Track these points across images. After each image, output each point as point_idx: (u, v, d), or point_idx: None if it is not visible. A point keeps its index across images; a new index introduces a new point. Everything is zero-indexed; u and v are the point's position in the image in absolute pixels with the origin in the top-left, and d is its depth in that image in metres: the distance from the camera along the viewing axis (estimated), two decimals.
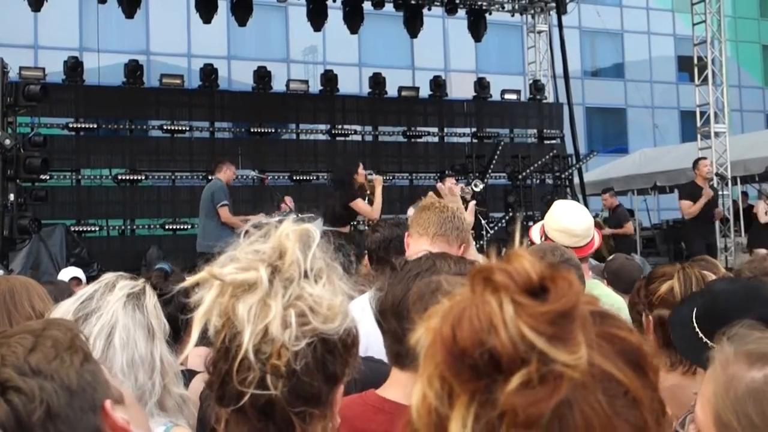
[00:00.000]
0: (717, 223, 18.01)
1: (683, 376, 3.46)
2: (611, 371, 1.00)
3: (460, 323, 0.99)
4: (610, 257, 8.51)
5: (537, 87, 23.25)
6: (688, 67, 25.54)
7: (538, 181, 21.50)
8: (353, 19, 21.80)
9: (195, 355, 4.21)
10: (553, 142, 22.74)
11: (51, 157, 15.19)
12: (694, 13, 21.15)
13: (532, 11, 24.32)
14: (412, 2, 22.26)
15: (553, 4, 23.10)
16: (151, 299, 2.71)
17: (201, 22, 20.69)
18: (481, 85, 22.85)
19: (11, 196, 13.79)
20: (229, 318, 1.72)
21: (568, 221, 5.36)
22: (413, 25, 22.52)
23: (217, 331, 1.73)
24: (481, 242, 17.48)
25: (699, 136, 20.79)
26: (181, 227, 18.23)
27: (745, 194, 22.75)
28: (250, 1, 21.00)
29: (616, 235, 17.75)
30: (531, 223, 7.91)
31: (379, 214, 11.57)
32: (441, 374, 1.00)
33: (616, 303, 4.73)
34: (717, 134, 20.50)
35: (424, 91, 22.51)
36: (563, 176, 21.44)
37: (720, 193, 18.83)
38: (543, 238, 5.34)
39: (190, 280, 1.76)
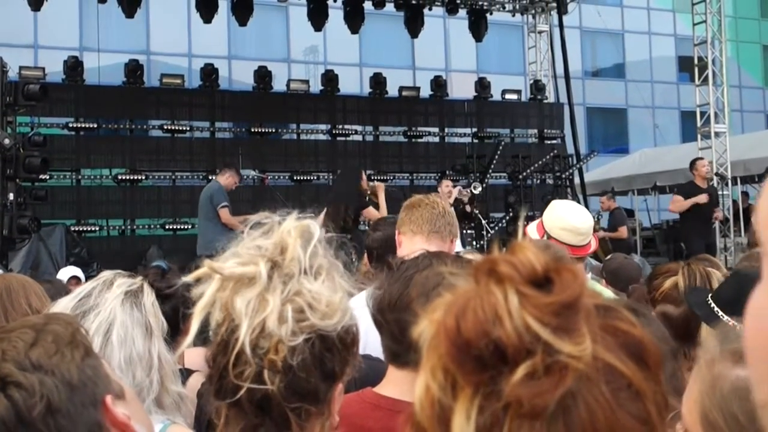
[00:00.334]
0: (717, 223, 18.01)
1: (687, 371, 3.45)
2: (614, 363, 1.00)
3: (465, 314, 0.99)
4: (609, 257, 8.52)
5: (538, 87, 23.24)
6: (688, 67, 25.52)
7: (538, 181, 21.49)
8: (354, 19, 21.79)
9: (194, 354, 4.20)
10: (554, 142, 22.74)
11: (51, 157, 15.20)
12: (695, 13, 21.14)
13: (533, 11, 24.30)
14: (413, 2, 22.25)
15: (554, 4, 23.09)
16: (149, 297, 2.71)
17: (201, 21, 20.68)
18: (482, 85, 22.84)
19: (11, 196, 13.79)
20: (229, 312, 1.72)
21: (573, 219, 5.35)
22: (414, 25, 22.51)
23: (218, 325, 1.74)
24: (482, 242, 17.48)
25: (699, 137, 20.78)
26: (182, 227, 18.22)
27: (745, 194, 22.74)
28: (251, 0, 20.98)
29: (610, 238, 17.78)
30: (525, 223, 7.88)
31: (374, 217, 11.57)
32: (444, 366, 0.99)
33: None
34: (717, 134, 20.48)
35: (425, 91, 22.50)
36: (564, 176, 21.44)
37: (720, 193, 18.83)
38: (545, 237, 5.32)
39: (191, 274, 1.76)
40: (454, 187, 16.47)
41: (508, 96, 23.14)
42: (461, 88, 26.65)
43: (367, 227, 10.89)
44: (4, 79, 14.25)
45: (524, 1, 24.02)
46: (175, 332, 3.14)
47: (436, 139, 22.22)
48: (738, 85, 39.79)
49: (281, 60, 32.94)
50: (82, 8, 31.19)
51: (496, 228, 19.17)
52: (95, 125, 18.68)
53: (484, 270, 1.02)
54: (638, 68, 38.35)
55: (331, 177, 19.82)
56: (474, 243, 16.81)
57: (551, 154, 21.45)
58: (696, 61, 21.00)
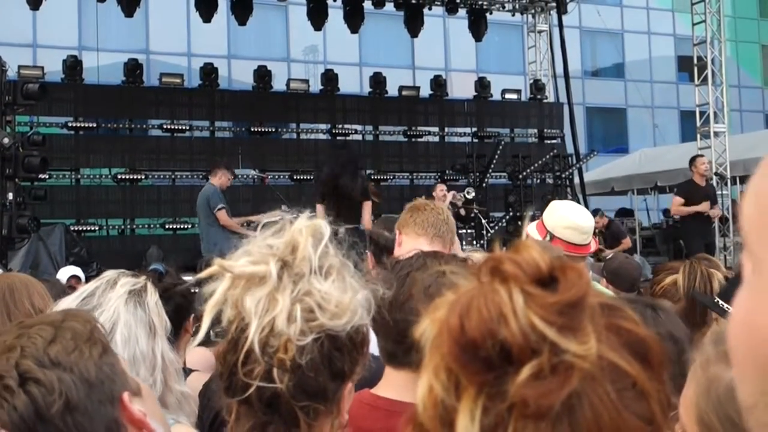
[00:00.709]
0: (716, 223, 18.02)
1: None
2: (619, 363, 0.99)
3: (469, 313, 0.98)
4: (609, 256, 8.52)
5: (537, 87, 23.25)
6: (687, 67, 25.52)
7: (538, 181, 21.48)
8: (354, 19, 21.78)
9: (196, 355, 4.21)
10: (554, 141, 22.75)
11: (50, 157, 15.16)
12: (694, 13, 21.13)
13: (533, 11, 24.31)
14: (413, 2, 22.25)
15: (554, 4, 23.09)
16: (152, 296, 2.72)
17: (201, 21, 20.67)
18: (482, 85, 22.85)
19: (10, 196, 13.77)
20: (239, 310, 1.73)
21: (576, 218, 5.36)
22: (414, 24, 22.50)
23: (229, 323, 1.75)
24: (482, 242, 17.48)
25: (699, 136, 20.78)
26: (181, 227, 18.22)
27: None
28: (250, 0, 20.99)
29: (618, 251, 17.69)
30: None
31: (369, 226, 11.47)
32: (448, 366, 0.98)
33: None
34: (716, 134, 20.48)
35: (425, 91, 22.50)
36: (563, 176, 21.44)
37: (719, 192, 18.83)
38: (548, 237, 5.31)
39: (203, 272, 1.77)
40: (449, 191, 16.51)
41: (507, 96, 23.15)
42: (461, 88, 26.68)
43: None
44: (3, 78, 14.23)
45: (524, 1, 24.02)
46: (176, 332, 3.14)
47: (436, 139, 22.23)
48: (737, 85, 39.82)
49: (281, 59, 32.92)
50: (81, 7, 31.16)
51: (496, 228, 19.16)
52: (94, 125, 18.67)
53: (487, 269, 1.01)
54: (638, 68, 38.35)
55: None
56: (474, 243, 16.80)
57: (551, 153, 21.45)
58: (695, 61, 21.00)
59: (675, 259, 17.29)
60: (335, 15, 21.66)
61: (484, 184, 20.23)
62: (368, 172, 20.56)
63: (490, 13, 23.31)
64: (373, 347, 2.70)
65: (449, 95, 23.08)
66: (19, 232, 13.86)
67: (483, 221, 18.19)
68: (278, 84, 21.07)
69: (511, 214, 19.91)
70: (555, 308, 0.96)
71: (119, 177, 18.56)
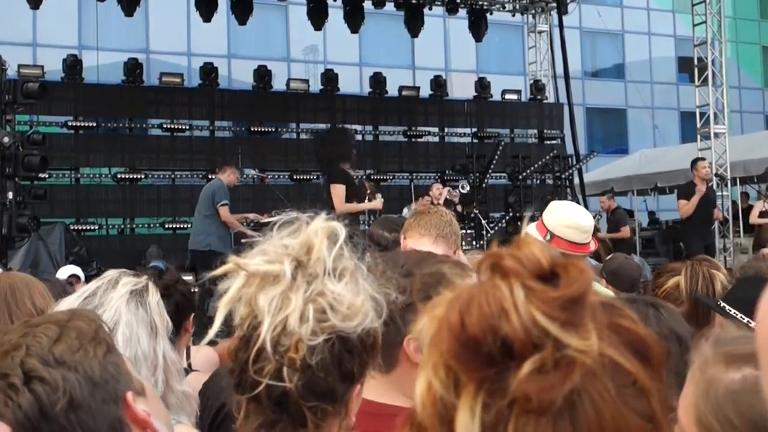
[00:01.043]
0: (716, 224, 18.03)
1: None
2: (620, 360, 0.99)
3: (469, 309, 0.97)
4: (609, 257, 8.50)
5: (537, 87, 23.25)
6: (688, 67, 25.53)
7: (538, 182, 21.48)
8: (354, 19, 21.78)
9: (199, 355, 4.21)
10: (554, 142, 22.75)
11: (50, 156, 15.16)
12: (695, 13, 21.14)
13: (533, 11, 24.31)
14: (413, 2, 22.25)
15: (554, 5, 23.10)
16: (154, 296, 2.73)
17: (201, 20, 20.67)
18: (482, 85, 22.85)
19: (10, 195, 13.76)
20: (252, 308, 1.75)
21: (577, 217, 5.38)
22: (414, 24, 22.51)
23: (242, 320, 1.76)
24: (481, 242, 17.47)
25: (699, 137, 20.78)
26: (181, 226, 18.19)
27: (745, 194, 22.78)
28: None
29: (612, 239, 17.80)
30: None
31: (340, 210, 11.36)
32: (447, 362, 0.98)
33: None
34: (717, 135, 20.48)
35: (425, 91, 22.51)
36: (563, 176, 21.44)
37: (719, 193, 18.85)
38: (548, 236, 5.30)
39: (218, 269, 1.78)
40: (444, 188, 16.54)
41: (507, 96, 23.16)
42: (461, 88, 26.70)
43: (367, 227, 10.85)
44: (3, 77, 14.22)
45: (524, 1, 24.02)
46: (176, 331, 3.14)
47: (436, 139, 22.23)
48: (737, 86, 39.86)
49: (281, 59, 32.93)
50: (81, 6, 31.19)
51: (496, 228, 19.15)
52: (94, 124, 18.67)
53: (487, 265, 1.01)
54: (638, 69, 38.37)
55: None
56: (474, 243, 16.80)
57: (551, 154, 21.44)
58: (696, 62, 21.00)
59: (675, 260, 17.34)
60: (335, 15, 21.66)
61: (483, 185, 20.21)
62: (368, 172, 20.58)
63: (491, 14, 23.32)
64: None
65: (449, 95, 23.08)
66: (19, 232, 13.85)
67: (483, 221, 18.19)
68: (278, 84, 21.07)
69: (510, 214, 19.90)
70: (557, 303, 0.96)
71: (119, 176, 18.56)
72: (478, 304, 0.97)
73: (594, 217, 18.84)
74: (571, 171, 21.67)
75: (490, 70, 31.85)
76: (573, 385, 0.94)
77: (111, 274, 2.73)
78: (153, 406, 1.79)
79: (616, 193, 24.07)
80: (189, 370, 3.78)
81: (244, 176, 18.81)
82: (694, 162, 16.31)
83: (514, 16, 24.61)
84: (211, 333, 1.83)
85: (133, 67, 19.22)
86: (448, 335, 0.98)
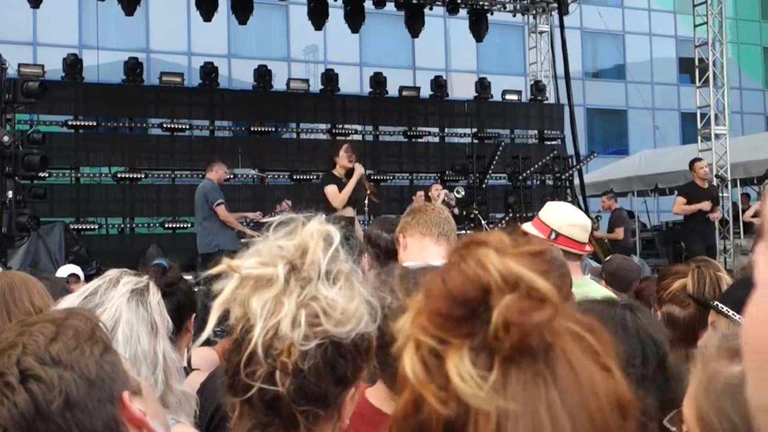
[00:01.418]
0: (717, 225, 18.02)
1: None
2: (574, 329, 1.10)
3: (449, 272, 1.08)
4: (608, 257, 8.51)
5: (538, 88, 23.26)
6: (689, 68, 25.55)
7: (538, 182, 21.50)
8: (354, 18, 21.78)
9: (197, 356, 4.19)
10: (554, 143, 22.75)
11: (50, 155, 15.20)
12: (696, 14, 21.14)
13: (534, 12, 24.30)
14: (414, 2, 22.24)
15: (555, 5, 23.10)
16: (154, 296, 2.73)
17: (201, 20, 20.66)
18: (482, 86, 22.85)
19: (10, 194, 13.77)
20: (245, 311, 1.73)
21: (579, 216, 5.42)
22: (414, 24, 22.51)
23: (235, 322, 1.75)
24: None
25: (699, 138, 20.79)
26: (181, 226, 18.20)
27: (746, 196, 22.78)
28: None
29: (607, 239, 17.86)
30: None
31: (342, 203, 11.43)
32: (432, 321, 1.06)
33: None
34: (717, 136, 20.49)
35: (425, 91, 22.52)
36: (563, 177, 21.44)
37: (720, 195, 18.84)
38: (553, 235, 5.29)
39: (212, 270, 1.77)
40: (442, 190, 16.56)
41: (508, 96, 23.16)
42: (461, 89, 26.69)
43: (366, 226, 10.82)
44: (4, 76, 14.23)
45: (525, 2, 24.02)
46: (177, 330, 3.13)
47: (436, 140, 22.24)
48: (738, 87, 39.87)
49: (281, 59, 32.93)
50: (81, 6, 31.18)
51: (495, 228, 19.13)
52: (94, 123, 18.67)
53: (461, 245, 1.12)
54: (639, 69, 38.34)
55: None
56: None
57: (551, 155, 21.44)
58: (697, 63, 21.00)
59: (675, 261, 17.35)
60: (336, 15, 21.65)
61: (483, 185, 20.23)
62: (368, 172, 20.55)
63: (491, 14, 23.32)
64: None
65: (449, 96, 23.09)
66: (19, 231, 13.86)
67: (482, 222, 18.18)
68: (278, 84, 21.08)
69: (510, 215, 19.90)
70: (524, 256, 1.08)
71: (119, 176, 18.56)
72: (456, 266, 1.08)
73: (595, 218, 18.95)
74: (571, 172, 21.68)
75: (491, 71, 31.82)
76: (547, 319, 1.04)
77: (112, 273, 2.73)
78: (149, 406, 1.79)
79: (616, 194, 24.10)
80: (189, 369, 3.77)
81: (244, 176, 18.80)
82: (692, 162, 16.31)
83: (514, 16, 24.61)
84: (205, 333, 1.80)
85: (133, 67, 19.22)
86: (432, 296, 1.07)
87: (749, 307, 0.90)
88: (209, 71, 20.05)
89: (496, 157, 20.17)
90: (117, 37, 29.85)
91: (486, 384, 1.02)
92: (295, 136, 21.50)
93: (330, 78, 21.36)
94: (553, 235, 5.25)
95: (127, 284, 2.66)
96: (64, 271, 10.04)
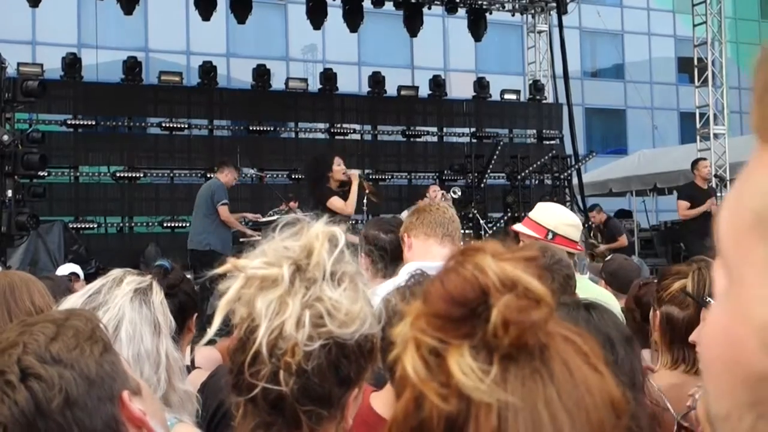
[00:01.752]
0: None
1: (686, 374, 3.46)
2: (566, 333, 1.14)
3: (447, 276, 1.11)
4: (608, 257, 8.50)
5: (537, 87, 23.26)
6: (688, 68, 25.53)
7: (536, 182, 21.50)
8: (353, 18, 21.78)
9: (200, 355, 4.20)
10: (553, 142, 22.75)
11: (49, 154, 15.21)
12: (695, 14, 21.15)
13: (533, 11, 24.31)
14: (412, 1, 22.24)
15: (554, 4, 23.09)
16: (157, 295, 2.74)
17: (200, 19, 20.65)
18: (481, 85, 22.87)
19: (9, 193, 13.78)
20: (250, 311, 1.74)
21: (573, 217, 5.46)
22: (413, 24, 22.51)
23: (240, 321, 1.76)
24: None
25: (698, 138, 20.80)
26: (180, 225, 18.20)
27: None
28: None
29: (612, 249, 17.82)
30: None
31: (353, 210, 11.45)
32: (432, 324, 1.09)
33: (605, 299, 4.72)
34: (716, 136, 20.50)
35: (424, 91, 22.52)
36: (562, 177, 21.42)
37: (719, 195, 18.84)
38: (550, 235, 5.31)
39: (218, 269, 1.79)
40: (440, 191, 16.58)
41: (506, 96, 23.15)
42: (460, 88, 26.68)
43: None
44: (3, 75, 14.23)
45: (524, 1, 24.02)
46: (179, 330, 3.14)
47: (435, 139, 22.24)
48: (737, 87, 39.82)
49: (280, 58, 32.94)
50: (80, 5, 31.18)
51: (494, 228, 19.15)
52: (93, 122, 18.69)
53: (458, 252, 1.15)
54: (637, 69, 38.33)
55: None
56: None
57: (550, 154, 21.44)
58: (696, 62, 21.01)
59: (674, 261, 17.35)
60: (334, 14, 21.64)
61: (482, 185, 20.23)
62: (366, 171, 20.58)
63: (490, 13, 23.30)
64: None
65: (448, 95, 23.09)
66: (18, 230, 13.87)
67: (481, 222, 18.19)
68: (277, 83, 21.09)
69: (509, 214, 19.90)
70: (519, 261, 1.11)
71: (118, 175, 18.57)
72: (454, 270, 1.11)
73: (592, 235, 18.78)
74: (569, 171, 21.66)
75: (489, 70, 31.83)
76: (542, 318, 1.08)
77: (116, 272, 2.75)
78: (149, 406, 1.80)
79: (614, 194, 24.14)
80: (193, 368, 3.78)
81: (243, 176, 18.81)
82: (695, 162, 16.31)
83: (513, 15, 24.62)
84: (210, 332, 1.82)
85: (132, 66, 19.22)
86: (431, 299, 1.10)
87: (706, 320, 0.93)
88: (208, 70, 20.06)
89: (495, 157, 20.16)
90: (116, 36, 29.83)
91: (487, 378, 1.05)
92: (293, 135, 21.51)
93: (328, 77, 21.37)
94: (549, 236, 5.26)
95: (130, 284, 2.67)
96: (64, 269, 10.05)
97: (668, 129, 37.39)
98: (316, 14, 21.56)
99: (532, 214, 5.57)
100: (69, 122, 18.31)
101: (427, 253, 4.34)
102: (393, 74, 23.87)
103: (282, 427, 1.77)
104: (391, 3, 22.12)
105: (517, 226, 5.61)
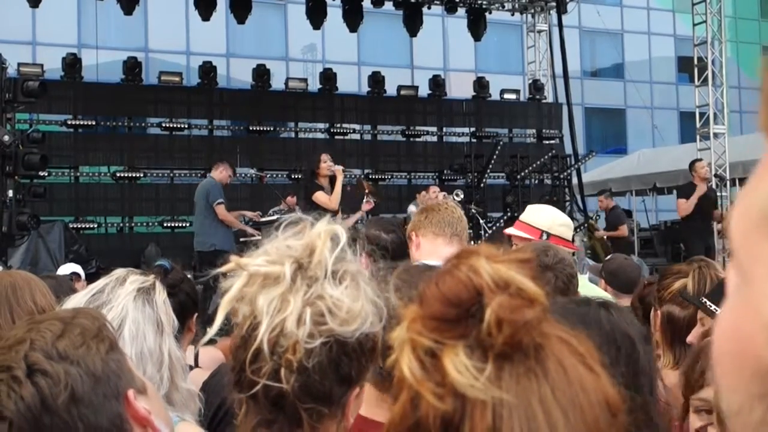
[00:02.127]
0: (715, 224, 18.03)
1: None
2: (561, 334, 1.16)
3: (443, 278, 1.14)
4: (608, 257, 8.50)
5: (536, 87, 23.25)
6: (687, 67, 25.54)
7: (536, 182, 21.50)
8: (352, 18, 21.78)
9: (207, 354, 4.22)
10: (552, 142, 22.75)
11: (49, 154, 15.22)
12: (695, 13, 21.15)
13: (532, 10, 24.30)
14: (412, 1, 22.24)
15: (554, 4, 23.09)
16: (160, 294, 2.75)
17: (200, 19, 20.65)
18: (481, 85, 22.86)
19: (10, 193, 13.79)
20: (252, 309, 1.76)
21: (565, 217, 5.49)
22: (413, 23, 22.51)
23: (243, 319, 1.77)
24: (479, 242, 17.47)
25: (698, 137, 20.80)
26: (180, 225, 18.23)
27: None
28: None
29: (610, 237, 17.90)
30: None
31: (337, 204, 11.50)
32: (427, 325, 1.12)
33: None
34: (716, 135, 20.50)
35: (423, 90, 22.52)
36: (562, 176, 21.41)
37: (719, 194, 18.85)
38: (544, 236, 5.32)
39: (221, 268, 1.80)
40: (440, 192, 16.59)
41: (506, 96, 23.15)
42: (460, 88, 26.66)
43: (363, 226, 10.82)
44: (4, 75, 14.24)
45: (523, 1, 24.02)
46: (180, 329, 3.15)
47: (435, 139, 22.25)
48: (737, 86, 39.81)
49: (279, 58, 32.93)
50: (80, 5, 31.17)
51: (494, 228, 19.15)
52: (93, 122, 18.71)
53: (453, 255, 1.18)
54: (637, 68, 38.32)
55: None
56: (471, 243, 16.80)
57: (549, 154, 21.43)
58: (696, 62, 21.01)
59: (673, 261, 17.37)
60: (334, 14, 21.64)
61: (482, 185, 20.22)
62: (366, 171, 20.61)
63: (490, 13, 23.29)
64: None
65: (448, 95, 23.10)
66: (19, 229, 13.88)
67: (481, 221, 18.19)
68: (277, 83, 21.09)
69: (509, 214, 19.88)
70: (514, 263, 1.14)
71: (118, 175, 18.59)
72: (449, 272, 1.14)
73: (593, 217, 19.02)
74: (569, 171, 21.66)
75: (489, 70, 31.83)
76: (535, 317, 1.11)
77: (119, 272, 2.76)
78: (154, 405, 1.81)
79: (614, 194, 24.11)
80: (193, 368, 3.79)
81: (243, 175, 18.82)
82: (693, 163, 16.33)
83: (513, 15, 24.63)
84: (212, 331, 1.83)
85: (132, 66, 19.23)
86: (426, 300, 1.13)
87: (718, 318, 0.94)
88: (208, 70, 20.07)
89: (495, 157, 20.16)
90: (116, 36, 29.86)
91: (482, 376, 1.07)
92: (293, 135, 21.53)
93: (328, 77, 21.37)
94: (544, 237, 5.27)
95: (133, 283, 2.69)
96: (66, 269, 10.05)
97: (668, 128, 37.34)
98: (316, 14, 21.56)
99: (523, 217, 5.58)
100: (69, 122, 18.32)
101: (434, 253, 4.32)
102: (393, 74, 23.86)
103: (283, 425, 1.77)
104: (391, 3, 22.11)
105: (510, 230, 5.63)
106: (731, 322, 0.88)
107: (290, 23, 33.93)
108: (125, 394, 1.72)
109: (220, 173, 13.99)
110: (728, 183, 20.46)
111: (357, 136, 21.35)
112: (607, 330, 2.42)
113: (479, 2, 22.92)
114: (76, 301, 2.63)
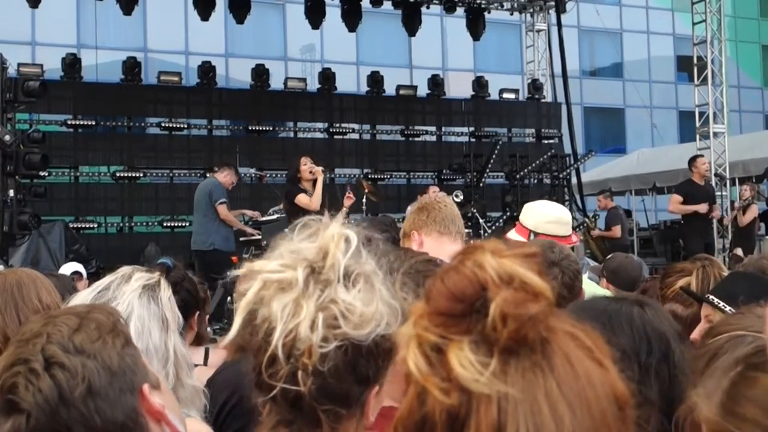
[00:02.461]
0: (715, 223, 18.04)
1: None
2: (569, 329, 1.18)
3: (447, 274, 1.15)
4: (609, 256, 8.51)
5: (535, 86, 23.24)
6: (687, 67, 25.55)
7: (535, 181, 21.53)
8: (351, 17, 21.77)
9: (216, 357, 4.23)
10: (551, 141, 22.74)
11: (49, 154, 15.21)
12: (694, 12, 21.13)
13: (531, 10, 24.29)
14: (411, 0, 22.23)
15: (552, 3, 23.07)
16: (165, 292, 2.77)
17: (199, 19, 20.63)
18: (480, 84, 22.85)
19: (11, 192, 13.80)
20: (268, 313, 1.76)
21: (555, 211, 5.44)
22: (411, 23, 22.50)
23: (262, 321, 1.77)
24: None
25: (698, 137, 20.79)
26: (179, 224, 18.23)
27: None
28: None
29: (603, 237, 17.96)
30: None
31: (318, 205, 11.53)
32: (433, 321, 1.13)
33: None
34: (716, 135, 20.49)
35: (422, 90, 22.51)
36: (561, 176, 21.42)
37: (718, 193, 18.85)
38: (531, 236, 5.32)
39: (237, 271, 1.83)
40: (440, 193, 16.60)
41: (505, 95, 23.12)
42: (459, 87, 26.64)
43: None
44: (4, 75, 14.24)
45: (522, 0, 24.01)
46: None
47: (434, 138, 22.24)
48: (737, 85, 39.82)
49: (278, 58, 32.95)
50: (79, 5, 31.18)
51: (493, 228, 19.16)
52: (93, 122, 18.70)
53: (460, 251, 1.20)
54: (636, 68, 38.32)
55: (327, 176, 19.82)
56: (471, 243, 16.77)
57: (548, 153, 21.44)
58: (695, 61, 21.01)
59: (673, 260, 17.37)
60: (333, 14, 21.62)
61: (481, 184, 20.23)
62: (365, 171, 20.61)
63: (489, 12, 23.26)
64: None
65: (447, 94, 23.12)
66: (20, 229, 13.90)
67: (480, 221, 18.20)
68: (276, 83, 21.08)
69: (508, 214, 19.89)
70: (518, 258, 1.15)
71: (118, 175, 18.58)
72: (455, 268, 1.15)
73: (593, 216, 19.05)
74: (568, 170, 21.67)
75: (488, 69, 31.83)
76: (540, 312, 1.12)
77: (125, 269, 2.78)
78: (167, 400, 1.83)
79: (613, 193, 24.10)
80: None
81: (242, 175, 18.82)
82: (693, 159, 16.32)
83: (512, 14, 24.61)
84: (230, 335, 1.82)
85: (131, 66, 19.23)
86: (432, 296, 1.15)
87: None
88: (207, 70, 20.06)
89: (494, 156, 20.17)
90: (115, 36, 29.88)
91: (486, 370, 1.09)
92: (292, 135, 21.51)
93: (327, 77, 21.36)
94: (531, 236, 5.26)
95: (138, 280, 2.70)
96: (67, 268, 10.07)
97: (667, 128, 37.34)
98: (315, 14, 21.54)
99: (520, 217, 5.59)
100: (69, 122, 18.31)
101: (438, 251, 4.31)
102: (391, 74, 23.87)
103: (302, 425, 1.78)
104: (390, 2, 22.09)
105: (510, 234, 5.62)
106: None
107: (289, 23, 33.92)
108: (140, 389, 1.73)
109: (225, 177, 13.99)
110: (728, 182, 20.46)
111: (356, 136, 21.35)
112: (639, 327, 2.43)
113: (478, 2, 22.89)
114: (82, 297, 2.65)
